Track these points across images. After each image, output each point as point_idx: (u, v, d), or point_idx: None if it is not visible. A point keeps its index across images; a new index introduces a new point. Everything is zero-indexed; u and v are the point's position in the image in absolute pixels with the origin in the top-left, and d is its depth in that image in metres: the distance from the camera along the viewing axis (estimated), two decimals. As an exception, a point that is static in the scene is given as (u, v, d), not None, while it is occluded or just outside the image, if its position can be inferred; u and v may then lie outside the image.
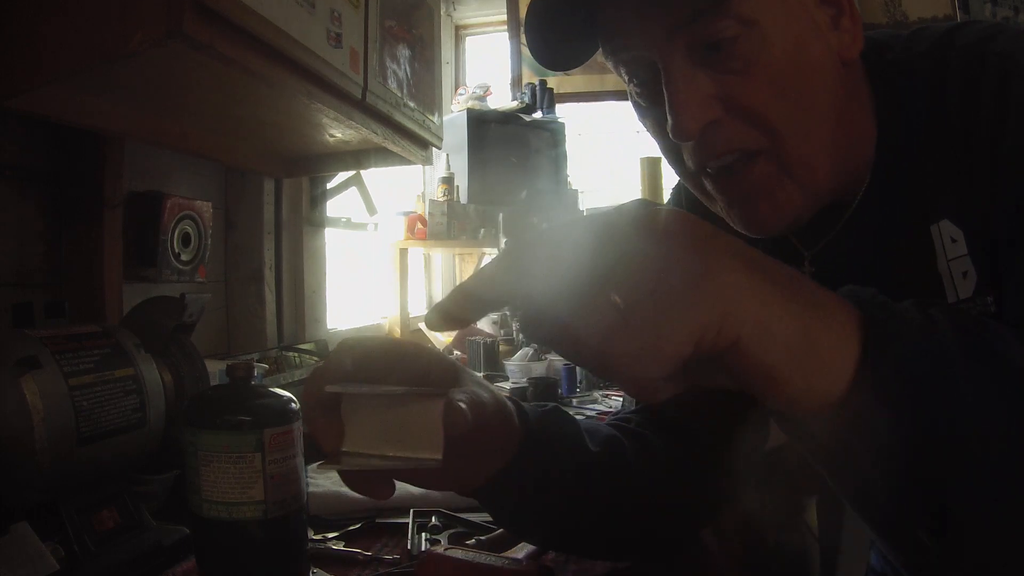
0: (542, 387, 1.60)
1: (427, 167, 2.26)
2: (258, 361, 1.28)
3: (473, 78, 3.22)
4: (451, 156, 2.57)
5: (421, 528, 0.80)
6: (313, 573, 0.67)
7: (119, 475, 0.72)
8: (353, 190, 2.01)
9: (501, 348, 2.06)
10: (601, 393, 1.71)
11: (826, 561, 1.05)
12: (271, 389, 0.64)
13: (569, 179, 2.84)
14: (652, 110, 0.57)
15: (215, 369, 0.91)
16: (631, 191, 2.88)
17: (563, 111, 2.89)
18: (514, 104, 2.79)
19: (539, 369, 1.80)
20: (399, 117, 1.20)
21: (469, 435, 0.42)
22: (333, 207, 1.93)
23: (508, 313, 2.03)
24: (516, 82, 3.01)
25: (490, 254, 2.67)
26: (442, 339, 2.27)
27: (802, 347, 0.34)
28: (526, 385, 1.62)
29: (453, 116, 2.64)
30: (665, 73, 0.52)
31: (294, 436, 0.62)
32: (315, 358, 1.48)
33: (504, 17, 3.08)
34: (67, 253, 1.02)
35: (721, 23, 0.50)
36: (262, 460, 0.59)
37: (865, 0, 2.79)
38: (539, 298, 0.34)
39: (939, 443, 0.34)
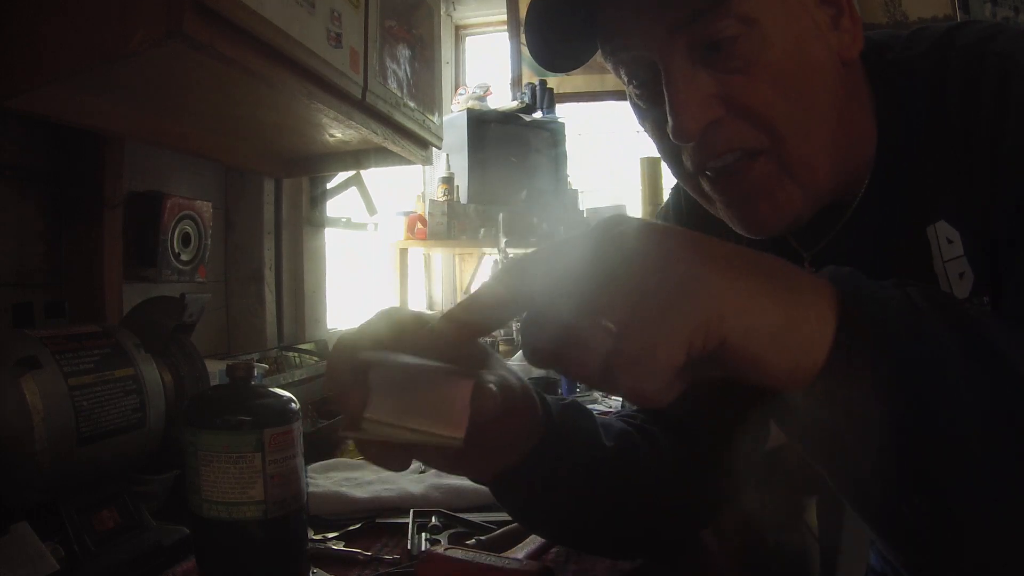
0: (542, 387, 1.58)
1: (427, 167, 2.26)
2: (258, 361, 1.28)
3: (473, 78, 3.22)
4: (451, 156, 2.57)
5: (421, 528, 0.80)
6: (313, 573, 0.67)
7: (119, 475, 0.72)
8: (353, 190, 2.00)
9: (501, 348, 2.06)
10: (601, 393, 1.71)
11: (826, 561, 1.05)
12: (271, 389, 0.64)
13: (569, 179, 2.84)
14: (652, 111, 0.56)
15: (215, 369, 0.91)
16: (631, 191, 2.88)
17: (563, 111, 2.89)
18: (514, 104, 2.79)
19: (539, 369, 1.80)
20: (399, 117, 1.20)
21: (494, 420, 0.42)
22: (333, 207, 1.93)
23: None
24: (516, 82, 3.01)
25: (490, 254, 2.67)
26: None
27: (783, 332, 0.35)
28: (526, 385, 1.62)
29: (453, 116, 2.64)
30: (665, 73, 0.52)
31: (294, 436, 0.62)
32: (315, 358, 1.48)
33: (504, 17, 3.08)
34: (67, 253, 1.02)
35: (721, 23, 0.50)
36: (262, 460, 0.59)
37: (865, 0, 2.79)
38: (533, 330, 0.36)
39: (913, 411, 0.35)
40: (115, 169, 1.04)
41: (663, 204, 0.80)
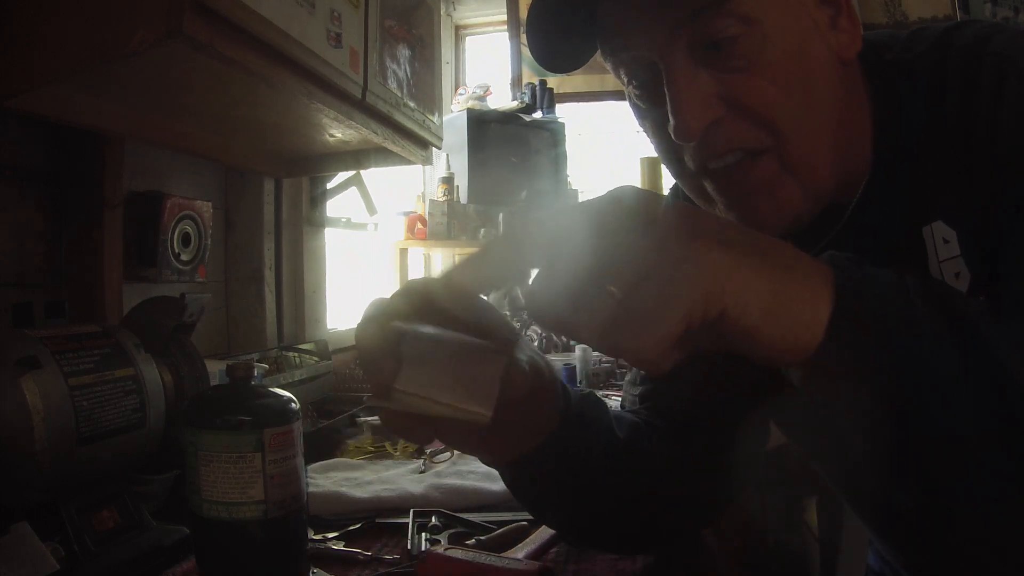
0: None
1: (427, 167, 2.26)
2: (258, 361, 1.28)
3: (473, 78, 3.21)
4: (451, 156, 2.57)
5: (421, 528, 0.80)
6: (313, 573, 0.67)
7: (119, 475, 0.72)
8: (353, 190, 2.00)
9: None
10: (602, 393, 1.71)
11: (826, 561, 1.05)
12: (271, 389, 0.64)
13: (569, 179, 2.83)
14: (652, 111, 0.56)
15: (215, 369, 0.91)
16: (631, 191, 2.87)
17: (563, 111, 2.89)
18: (514, 104, 2.79)
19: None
20: (399, 117, 1.20)
21: (521, 401, 0.42)
22: (333, 207, 1.93)
23: (510, 312, 2.03)
24: (516, 82, 3.01)
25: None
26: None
27: (780, 308, 0.36)
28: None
29: (453, 116, 2.64)
30: (666, 73, 0.52)
31: (294, 436, 0.62)
32: (315, 358, 1.48)
33: (504, 17, 3.08)
34: (67, 253, 1.02)
35: (722, 22, 0.50)
36: (262, 460, 0.59)
37: (865, 0, 2.79)
38: (541, 293, 0.37)
39: (903, 391, 0.36)
40: (115, 169, 1.04)
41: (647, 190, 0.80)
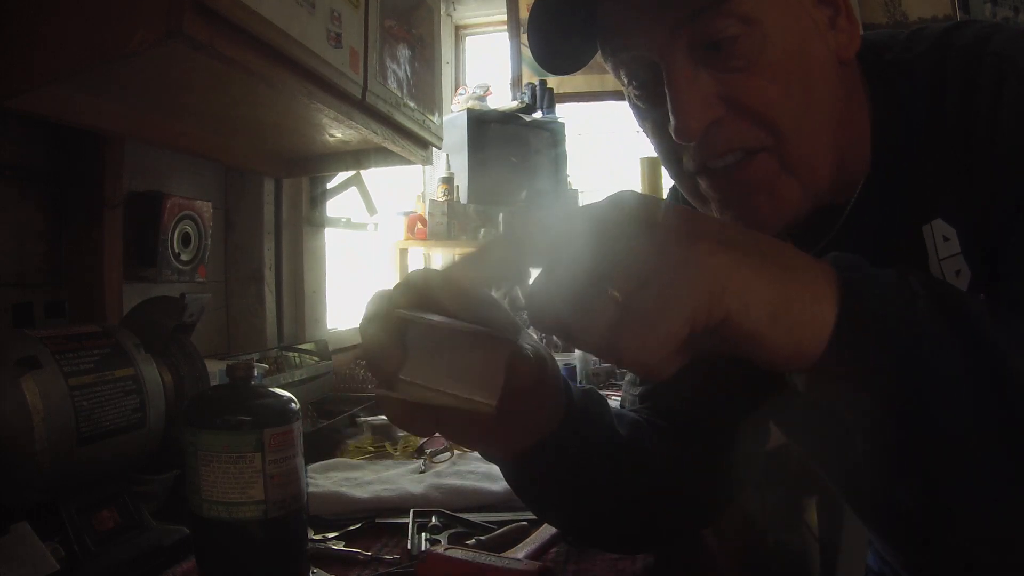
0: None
1: (427, 167, 2.26)
2: (258, 361, 1.28)
3: (473, 78, 3.21)
4: (451, 156, 2.57)
5: (421, 528, 0.80)
6: (313, 573, 0.67)
7: (119, 475, 0.72)
8: (353, 190, 2.00)
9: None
10: (602, 392, 1.71)
11: (826, 561, 1.06)
12: (271, 389, 0.64)
13: (569, 179, 2.83)
14: (652, 111, 0.57)
15: (215, 369, 0.91)
16: (631, 191, 2.88)
17: (563, 111, 2.89)
18: (514, 104, 2.79)
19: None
20: (399, 117, 1.20)
21: (525, 392, 0.42)
22: (333, 207, 1.93)
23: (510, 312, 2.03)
24: (516, 82, 3.01)
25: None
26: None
27: (784, 311, 0.36)
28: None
29: (453, 116, 2.64)
30: (667, 73, 0.52)
31: (294, 436, 0.62)
32: (315, 358, 1.48)
33: (504, 17, 3.08)
34: (67, 253, 1.02)
35: (722, 22, 0.50)
36: (262, 460, 0.59)
37: (865, 0, 2.79)
38: (540, 297, 0.37)
39: (907, 392, 0.36)
40: (115, 169, 1.04)
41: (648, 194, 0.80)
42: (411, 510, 0.84)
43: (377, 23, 1.10)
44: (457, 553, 0.65)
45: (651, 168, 2.54)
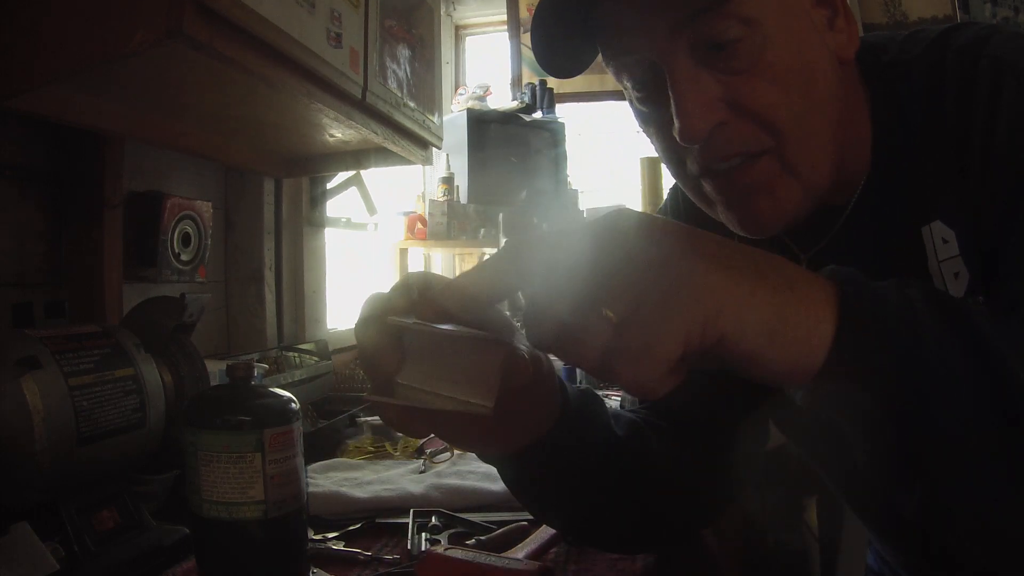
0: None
1: (427, 167, 2.26)
2: (258, 361, 1.28)
3: (473, 78, 3.21)
4: (451, 156, 2.57)
5: (421, 528, 0.80)
6: (313, 573, 0.67)
7: (119, 475, 0.72)
8: (353, 190, 2.00)
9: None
10: (601, 393, 1.71)
11: (826, 561, 1.05)
12: (271, 389, 0.64)
13: (569, 179, 2.83)
14: (655, 114, 0.56)
15: (215, 369, 0.91)
16: (631, 191, 2.88)
17: (563, 111, 2.89)
18: (514, 104, 2.79)
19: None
20: (399, 117, 1.20)
21: (521, 392, 0.42)
22: (333, 207, 1.93)
23: (510, 312, 2.03)
24: (516, 82, 3.01)
25: (490, 254, 2.67)
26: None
27: (782, 329, 0.36)
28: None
29: (453, 116, 2.64)
30: (670, 75, 0.52)
31: (294, 436, 0.62)
32: (315, 358, 1.48)
33: (504, 17, 3.08)
34: (67, 253, 1.02)
35: (723, 23, 0.50)
36: (262, 460, 0.59)
37: (865, 0, 2.79)
38: (537, 318, 0.37)
39: (911, 410, 0.36)
40: (115, 169, 1.04)
41: (661, 205, 0.80)
42: (411, 510, 0.84)
43: (377, 23, 1.10)
44: (457, 553, 0.65)
45: (651, 168, 2.54)
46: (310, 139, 1.27)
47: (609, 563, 0.71)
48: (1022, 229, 0.49)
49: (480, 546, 0.73)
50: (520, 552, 0.70)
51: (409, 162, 1.39)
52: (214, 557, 0.62)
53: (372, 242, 2.41)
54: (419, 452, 1.11)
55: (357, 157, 1.40)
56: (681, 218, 0.73)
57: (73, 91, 0.89)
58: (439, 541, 0.77)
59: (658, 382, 0.35)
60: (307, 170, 1.49)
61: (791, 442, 0.75)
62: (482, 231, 2.51)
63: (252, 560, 0.60)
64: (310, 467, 1.00)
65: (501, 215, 2.42)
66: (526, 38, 3.05)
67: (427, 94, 1.34)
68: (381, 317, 0.43)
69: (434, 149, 1.44)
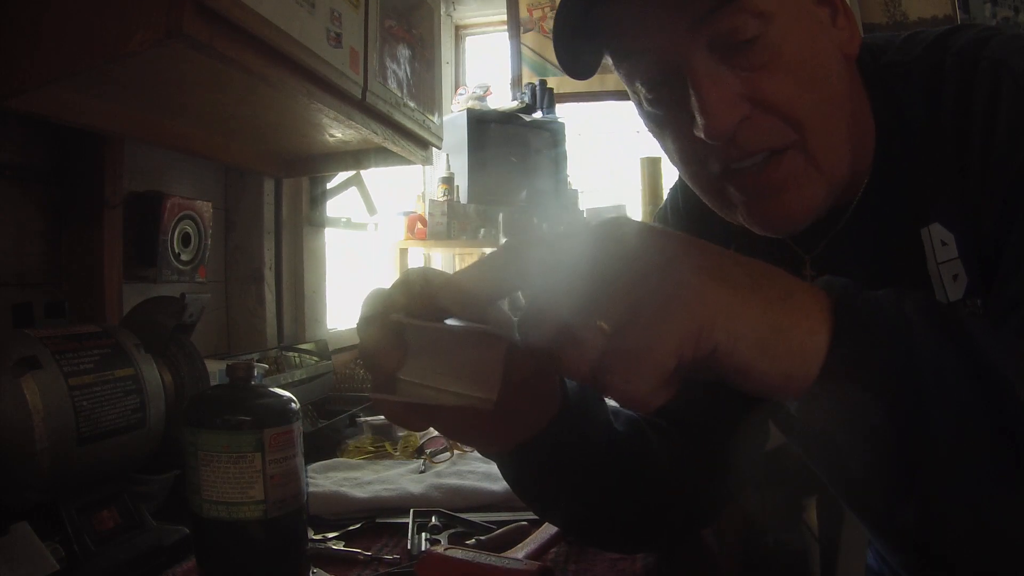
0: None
1: (427, 167, 2.26)
2: (258, 361, 1.28)
3: (473, 78, 3.22)
4: (451, 156, 2.58)
5: (421, 528, 0.80)
6: (313, 573, 0.67)
7: (119, 475, 0.72)
8: (353, 190, 2.00)
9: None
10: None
11: (826, 561, 1.05)
12: (271, 389, 0.64)
13: (569, 179, 2.84)
14: (672, 114, 0.56)
15: (215, 369, 0.91)
16: (631, 191, 2.88)
17: (563, 111, 2.89)
18: (514, 104, 2.79)
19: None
20: (399, 117, 1.20)
21: (522, 387, 0.42)
22: (333, 207, 1.93)
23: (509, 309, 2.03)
24: (516, 82, 3.01)
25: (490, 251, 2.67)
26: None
27: (775, 341, 0.36)
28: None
29: (453, 116, 2.64)
30: (690, 73, 0.51)
31: (294, 436, 0.62)
32: (315, 358, 1.48)
33: (504, 17, 3.08)
34: (67, 253, 1.02)
35: (739, 18, 0.50)
36: (262, 460, 0.59)
37: (865, 0, 2.79)
38: (531, 328, 0.37)
39: (907, 419, 0.36)
40: (115, 169, 1.04)
41: (662, 204, 0.80)
42: (411, 510, 0.84)
43: (377, 23, 1.10)
44: (457, 553, 0.65)
45: (651, 168, 2.53)
46: (310, 139, 1.27)
47: (609, 563, 0.71)
48: (1021, 231, 0.49)
49: (480, 546, 0.73)
50: (520, 552, 0.70)
51: (409, 162, 1.39)
52: (214, 557, 0.62)
53: (372, 242, 2.41)
54: (419, 452, 1.11)
55: (357, 157, 1.40)
56: (682, 217, 0.73)
57: (73, 91, 0.89)
58: (439, 541, 0.77)
59: (650, 394, 0.35)
60: (307, 170, 1.49)
61: (790, 442, 0.75)
62: (482, 231, 2.51)
63: (252, 560, 0.60)
64: (310, 467, 1.00)
65: (501, 215, 2.43)
66: (526, 38, 3.05)
67: (427, 94, 1.34)
68: (382, 314, 0.43)
69: (434, 149, 1.44)
